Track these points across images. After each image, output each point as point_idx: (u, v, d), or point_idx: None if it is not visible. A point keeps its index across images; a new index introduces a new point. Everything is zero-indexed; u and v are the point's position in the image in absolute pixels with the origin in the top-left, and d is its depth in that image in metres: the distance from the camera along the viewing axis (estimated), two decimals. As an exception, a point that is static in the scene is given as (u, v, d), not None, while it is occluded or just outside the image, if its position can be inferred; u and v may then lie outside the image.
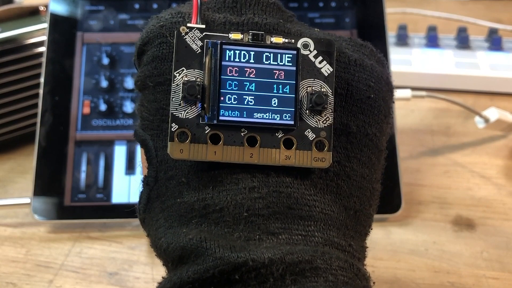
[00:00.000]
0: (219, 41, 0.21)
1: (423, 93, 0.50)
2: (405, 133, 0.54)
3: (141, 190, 0.24)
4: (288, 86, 0.21)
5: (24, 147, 0.52)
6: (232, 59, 0.21)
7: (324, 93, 0.21)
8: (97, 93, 0.46)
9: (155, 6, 0.48)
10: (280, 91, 0.21)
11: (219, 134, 0.21)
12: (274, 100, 0.21)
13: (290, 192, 0.21)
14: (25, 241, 0.42)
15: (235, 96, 0.21)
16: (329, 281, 0.19)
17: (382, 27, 0.47)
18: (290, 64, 0.21)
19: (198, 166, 0.22)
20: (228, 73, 0.21)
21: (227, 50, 0.21)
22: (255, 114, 0.21)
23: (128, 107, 0.46)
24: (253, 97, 0.21)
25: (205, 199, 0.21)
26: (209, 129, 0.21)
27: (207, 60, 0.21)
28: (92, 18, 0.47)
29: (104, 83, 0.46)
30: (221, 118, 0.21)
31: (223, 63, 0.21)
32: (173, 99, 0.21)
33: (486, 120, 0.51)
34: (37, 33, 0.50)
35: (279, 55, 0.21)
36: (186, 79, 0.21)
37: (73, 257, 0.41)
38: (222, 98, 0.21)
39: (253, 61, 0.21)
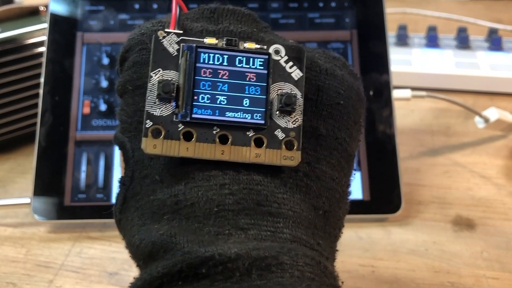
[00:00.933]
0: (195, 45, 0.22)
1: (423, 93, 0.50)
2: (405, 133, 0.54)
3: (117, 191, 0.25)
4: (259, 88, 0.22)
5: (24, 147, 0.52)
6: (206, 61, 0.22)
7: (293, 94, 0.22)
8: (97, 93, 0.46)
9: (155, 6, 0.48)
10: (252, 92, 0.22)
11: (192, 131, 0.22)
12: (246, 100, 0.22)
13: (260, 189, 0.22)
14: (25, 241, 0.42)
15: (208, 95, 0.22)
16: (295, 276, 0.20)
17: (382, 27, 0.47)
18: (262, 67, 0.22)
19: (171, 163, 0.22)
20: (202, 74, 0.22)
21: (202, 53, 0.22)
22: (227, 113, 0.22)
23: (128, 107, 0.46)
24: (225, 97, 0.22)
25: (177, 195, 0.22)
26: (183, 126, 0.22)
27: (182, 61, 0.22)
28: (92, 18, 0.47)
29: (104, 83, 0.46)
30: (194, 116, 0.21)
31: (198, 64, 0.22)
32: (148, 97, 0.22)
33: (486, 120, 0.51)
34: (37, 33, 0.50)
35: (251, 59, 0.22)
36: (162, 78, 0.22)
37: (73, 257, 0.41)
38: (195, 97, 0.22)
39: (226, 64, 0.22)
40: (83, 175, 0.44)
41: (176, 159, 0.22)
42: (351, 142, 0.25)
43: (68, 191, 0.43)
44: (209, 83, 0.22)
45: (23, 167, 0.50)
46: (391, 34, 0.66)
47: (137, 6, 0.48)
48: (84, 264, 0.40)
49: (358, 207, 0.43)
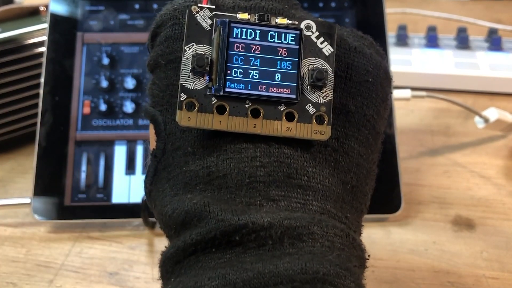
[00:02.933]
0: (228, 20, 0.22)
1: (423, 93, 0.50)
2: (405, 133, 0.54)
3: (149, 164, 0.25)
4: (291, 63, 0.22)
5: (24, 147, 0.52)
6: (239, 36, 0.22)
7: (324, 70, 0.22)
8: (97, 93, 0.46)
9: (155, 6, 0.48)
10: (284, 67, 0.22)
11: (225, 105, 0.22)
12: (278, 75, 0.22)
13: (290, 162, 0.22)
14: (25, 241, 0.42)
15: (241, 70, 0.22)
16: (325, 246, 0.20)
17: (382, 27, 0.47)
18: (294, 43, 0.23)
19: (203, 136, 0.23)
20: (235, 48, 0.22)
21: (235, 28, 0.22)
22: (259, 87, 0.22)
23: (128, 107, 0.46)
24: (257, 72, 0.22)
25: (209, 166, 0.22)
26: (216, 100, 0.22)
27: (215, 36, 0.22)
28: (92, 18, 0.47)
29: (104, 83, 0.46)
30: (227, 89, 0.22)
31: (231, 39, 0.22)
32: (182, 71, 0.22)
33: (486, 120, 0.51)
34: (37, 33, 0.50)
35: (283, 34, 0.22)
36: (196, 52, 0.22)
37: (73, 257, 0.41)
38: (228, 72, 0.22)
39: (258, 39, 0.22)
40: (83, 175, 0.44)
41: (208, 131, 0.23)
42: (379, 120, 0.25)
43: (68, 191, 0.43)
44: (241, 57, 0.22)
45: (23, 167, 0.50)
46: (391, 34, 0.66)
47: (137, 6, 0.48)
48: (84, 264, 0.40)
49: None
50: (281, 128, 0.22)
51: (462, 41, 0.65)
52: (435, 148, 0.53)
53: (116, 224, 0.43)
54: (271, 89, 0.22)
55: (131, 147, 0.45)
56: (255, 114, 0.22)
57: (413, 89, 0.51)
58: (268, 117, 0.22)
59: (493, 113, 0.51)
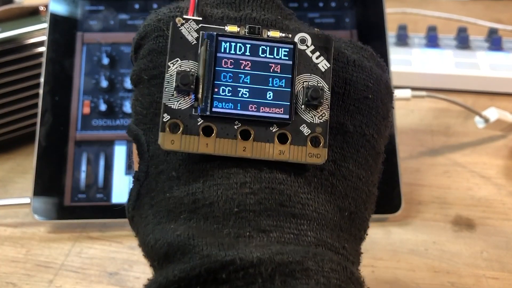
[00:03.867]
0: (215, 33, 0.20)
1: (423, 93, 0.50)
2: (405, 133, 0.54)
3: (131, 186, 0.23)
4: (284, 80, 0.21)
5: (24, 147, 0.52)
6: (227, 51, 0.20)
7: (320, 87, 0.21)
8: (97, 93, 0.46)
9: (155, 6, 0.48)
10: (276, 85, 0.21)
11: (212, 126, 0.20)
12: (269, 93, 0.21)
13: (283, 189, 0.21)
14: (25, 241, 0.42)
15: (229, 88, 0.20)
16: (320, 283, 0.18)
17: (382, 27, 0.47)
18: (287, 58, 0.21)
19: (189, 159, 0.21)
20: (223, 64, 0.20)
21: (223, 42, 0.20)
22: (249, 106, 0.20)
23: (128, 107, 0.46)
24: (248, 90, 0.20)
25: (195, 193, 0.21)
26: (202, 120, 0.20)
27: (202, 51, 0.20)
28: (92, 18, 0.47)
29: (104, 83, 0.46)
30: (214, 109, 0.20)
31: (218, 54, 0.20)
32: (166, 89, 0.20)
33: (486, 120, 0.51)
34: (37, 33, 0.50)
35: (275, 48, 0.21)
36: (180, 69, 0.20)
37: (73, 257, 0.41)
38: (216, 90, 0.20)
39: (249, 54, 0.21)
40: (83, 175, 0.44)
41: (194, 154, 0.21)
42: (379, 139, 0.24)
43: (68, 191, 0.43)
44: (230, 74, 0.20)
45: (23, 167, 0.50)
46: (391, 34, 0.66)
47: (137, 6, 0.48)
48: (84, 264, 0.40)
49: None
50: (273, 151, 0.20)
51: (462, 41, 0.65)
52: (435, 148, 0.53)
53: (116, 224, 0.43)
54: (262, 109, 0.20)
55: (131, 147, 0.45)
56: (245, 136, 0.21)
57: (413, 89, 0.51)
58: (259, 139, 0.20)
59: (493, 113, 0.51)
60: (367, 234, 0.24)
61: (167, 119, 0.20)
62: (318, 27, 0.48)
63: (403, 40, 0.66)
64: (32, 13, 0.52)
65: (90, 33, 0.47)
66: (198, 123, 0.20)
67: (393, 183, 0.44)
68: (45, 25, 0.47)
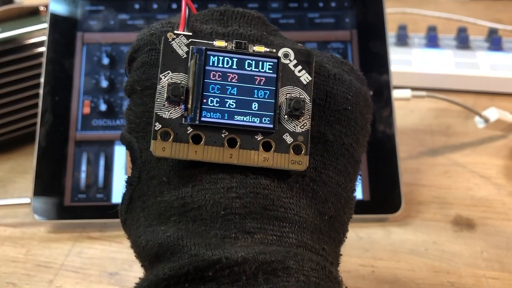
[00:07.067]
0: (204, 47, 0.22)
1: (423, 93, 0.50)
2: (405, 133, 0.54)
3: (124, 191, 0.25)
4: (268, 92, 0.22)
5: (24, 147, 0.52)
6: (215, 65, 0.22)
7: (302, 99, 0.22)
8: (97, 93, 0.46)
9: (155, 6, 0.48)
10: (261, 96, 0.22)
11: (201, 134, 0.22)
12: (255, 104, 0.22)
13: (267, 193, 0.22)
14: (25, 241, 0.42)
15: (217, 99, 0.22)
16: (300, 281, 0.20)
17: (382, 27, 0.47)
18: (271, 71, 0.22)
19: (179, 165, 0.23)
20: (211, 77, 0.22)
21: (211, 56, 0.22)
22: (236, 116, 0.22)
23: (128, 107, 0.46)
24: (234, 101, 0.22)
25: (184, 197, 0.22)
26: (191, 129, 0.22)
27: (192, 64, 0.22)
28: (92, 18, 0.47)
29: (104, 83, 0.46)
30: (203, 119, 0.22)
31: (207, 67, 0.22)
32: (157, 100, 0.22)
33: (486, 120, 0.51)
34: (37, 33, 0.50)
35: (260, 62, 0.22)
36: (171, 81, 0.22)
37: (73, 257, 0.41)
38: (204, 100, 0.22)
39: (235, 67, 0.22)
40: (83, 175, 0.44)
41: (184, 161, 0.22)
42: (358, 148, 0.25)
43: (68, 191, 0.43)
44: (218, 86, 0.22)
45: (23, 167, 0.50)
46: (391, 34, 0.66)
47: (137, 6, 0.48)
48: (84, 264, 0.40)
49: (358, 207, 0.42)
50: (258, 158, 0.22)
51: (462, 41, 0.65)
52: (435, 148, 0.53)
53: (116, 224, 0.43)
54: (248, 119, 0.22)
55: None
56: (232, 143, 0.22)
57: (413, 89, 0.51)
58: (244, 147, 0.22)
59: (493, 113, 0.51)
60: (346, 237, 0.25)
61: (158, 127, 0.22)
62: (318, 27, 0.48)
63: (403, 40, 0.66)
64: (32, 13, 0.52)
65: (90, 33, 0.47)
66: (188, 132, 0.22)
67: (393, 183, 0.44)
68: (45, 25, 0.47)
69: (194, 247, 0.20)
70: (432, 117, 0.57)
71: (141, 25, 0.48)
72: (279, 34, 0.26)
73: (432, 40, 0.66)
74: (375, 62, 0.46)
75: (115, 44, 0.47)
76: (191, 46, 0.22)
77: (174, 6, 0.48)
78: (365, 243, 0.42)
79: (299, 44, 0.25)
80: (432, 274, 0.39)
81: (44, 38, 0.46)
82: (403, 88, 0.51)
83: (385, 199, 0.44)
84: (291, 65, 0.23)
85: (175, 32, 0.22)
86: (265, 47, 0.23)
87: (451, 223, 0.44)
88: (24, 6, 0.52)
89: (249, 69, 0.22)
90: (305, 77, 0.23)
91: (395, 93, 0.48)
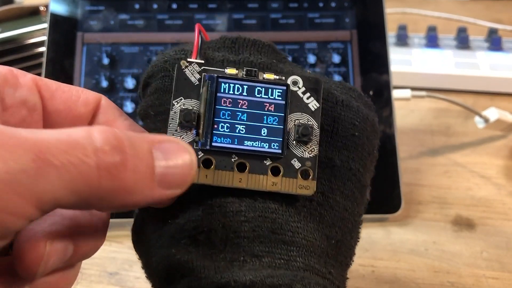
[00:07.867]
0: (216, 75, 0.23)
1: (423, 93, 0.50)
2: (405, 133, 0.54)
3: (136, 212, 0.25)
4: (277, 118, 0.23)
5: (24, 147, 0.52)
6: (226, 91, 0.23)
7: (310, 125, 0.23)
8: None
9: (155, 6, 0.48)
10: (270, 122, 0.23)
11: (211, 158, 0.22)
12: (264, 130, 0.23)
13: (275, 217, 0.22)
14: (25, 241, 0.42)
15: (227, 124, 0.22)
16: None
17: (382, 27, 0.47)
18: (280, 98, 0.23)
19: (190, 189, 0.23)
20: (222, 103, 0.23)
21: (223, 83, 0.23)
22: (245, 142, 0.22)
23: (128, 107, 0.46)
24: (244, 126, 0.23)
25: (195, 221, 0.22)
26: (202, 154, 0.22)
27: (203, 91, 0.23)
28: (92, 18, 0.47)
29: (104, 83, 0.46)
30: (213, 144, 0.22)
31: (218, 94, 0.23)
32: (170, 125, 0.22)
33: (486, 120, 0.51)
34: (37, 33, 0.50)
35: (270, 89, 0.23)
36: (183, 107, 0.22)
37: (73, 257, 0.41)
38: (215, 126, 0.22)
39: (245, 94, 0.23)
40: (83, 175, 0.44)
41: (195, 185, 0.23)
42: (365, 173, 0.25)
43: (68, 191, 0.43)
44: (228, 112, 0.22)
45: (23, 167, 0.50)
46: (391, 34, 0.66)
47: (137, 6, 0.48)
48: (84, 264, 0.40)
49: (358, 207, 0.43)
50: (267, 182, 0.22)
51: (462, 41, 0.65)
52: (435, 148, 0.53)
53: (116, 224, 0.43)
54: (257, 144, 0.22)
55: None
56: (241, 168, 0.22)
57: (413, 89, 0.51)
58: (254, 172, 0.22)
59: (493, 113, 0.51)
60: (353, 261, 0.25)
61: None
62: (318, 27, 0.48)
63: (403, 40, 0.66)
64: (32, 13, 0.53)
65: (90, 33, 0.47)
66: (199, 156, 0.22)
67: (393, 183, 0.44)
68: (45, 25, 0.47)
69: (204, 270, 0.21)
70: (432, 117, 0.57)
71: (141, 25, 0.48)
72: (288, 61, 0.26)
73: (432, 40, 0.66)
74: (375, 62, 0.46)
75: (115, 44, 0.47)
76: (203, 74, 0.23)
77: (174, 6, 0.48)
78: (365, 243, 0.42)
79: (308, 71, 0.26)
80: (432, 274, 0.39)
81: (44, 38, 0.46)
82: (403, 88, 0.51)
83: (385, 199, 0.44)
84: (299, 92, 0.23)
85: (188, 60, 0.23)
86: (274, 74, 0.23)
87: (451, 223, 0.44)
88: (24, 6, 0.52)
89: (259, 96, 0.23)
90: (313, 104, 0.23)
91: (395, 93, 0.48)
